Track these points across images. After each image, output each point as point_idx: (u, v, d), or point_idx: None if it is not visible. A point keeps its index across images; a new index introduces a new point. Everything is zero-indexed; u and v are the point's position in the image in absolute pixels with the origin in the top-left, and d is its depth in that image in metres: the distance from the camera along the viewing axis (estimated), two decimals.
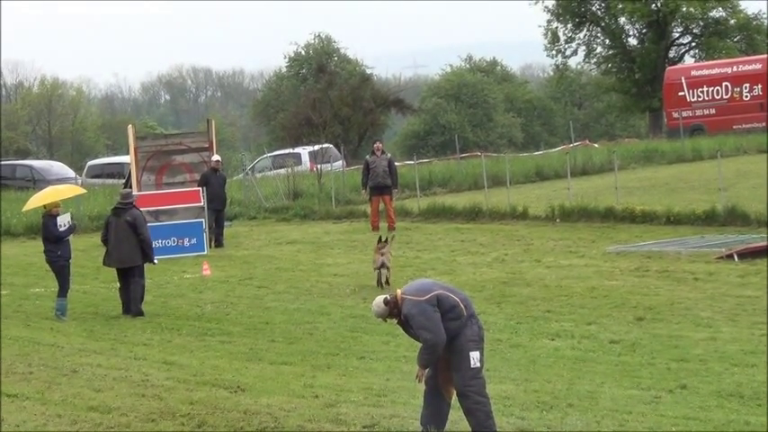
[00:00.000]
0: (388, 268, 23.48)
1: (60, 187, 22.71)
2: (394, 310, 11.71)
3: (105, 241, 21.86)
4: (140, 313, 20.96)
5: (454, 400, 11.82)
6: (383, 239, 23.75)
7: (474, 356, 11.58)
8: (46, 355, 17.16)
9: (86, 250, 28.99)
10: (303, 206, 37.97)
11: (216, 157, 32.87)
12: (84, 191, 23.01)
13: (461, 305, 11.64)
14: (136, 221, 21.44)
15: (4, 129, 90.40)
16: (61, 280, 21.32)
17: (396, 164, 34.04)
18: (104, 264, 22.14)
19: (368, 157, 32.89)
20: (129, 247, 21.38)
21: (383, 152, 32.56)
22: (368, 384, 14.51)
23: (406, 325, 11.72)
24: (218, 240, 31.42)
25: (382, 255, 23.43)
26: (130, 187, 30.40)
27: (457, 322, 11.57)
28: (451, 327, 11.54)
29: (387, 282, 23.23)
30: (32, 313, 21.85)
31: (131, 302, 21.10)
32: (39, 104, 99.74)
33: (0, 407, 13.46)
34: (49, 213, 21.33)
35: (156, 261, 22.62)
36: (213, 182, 31.77)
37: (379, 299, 11.82)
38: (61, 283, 21.31)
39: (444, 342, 11.49)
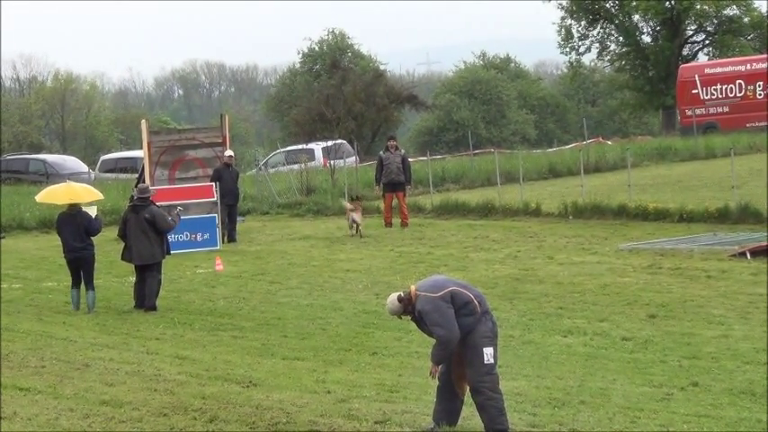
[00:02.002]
0: (359, 224, 29.89)
1: (80, 190, 22.43)
2: (408, 306, 11.71)
3: (123, 237, 21.90)
4: (153, 308, 20.97)
5: (467, 396, 11.83)
6: (356, 197, 30.72)
7: (487, 353, 11.59)
8: (58, 349, 17.20)
9: (99, 245, 28.84)
10: (316, 202, 38.06)
11: (229, 153, 32.87)
12: (102, 197, 22.99)
13: (475, 301, 11.65)
14: (155, 218, 21.43)
15: (17, 123, 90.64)
16: (92, 273, 21.53)
17: (409, 160, 34.04)
18: (123, 259, 22.17)
19: (382, 153, 32.91)
20: (149, 243, 21.40)
21: (397, 148, 32.57)
22: (380, 380, 14.51)
23: (420, 321, 11.73)
24: (230, 235, 31.44)
25: (352, 211, 29.94)
26: (143, 182, 30.43)
27: (470, 318, 11.58)
28: (465, 323, 11.54)
29: (359, 233, 29.70)
30: (45, 307, 21.89)
31: (147, 297, 21.12)
32: (52, 99, 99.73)
33: (0, 404, 13.49)
34: (78, 210, 21.45)
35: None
36: (226, 177, 31.80)
37: (393, 296, 11.83)
38: (92, 277, 21.50)
39: (458, 338, 11.50)
